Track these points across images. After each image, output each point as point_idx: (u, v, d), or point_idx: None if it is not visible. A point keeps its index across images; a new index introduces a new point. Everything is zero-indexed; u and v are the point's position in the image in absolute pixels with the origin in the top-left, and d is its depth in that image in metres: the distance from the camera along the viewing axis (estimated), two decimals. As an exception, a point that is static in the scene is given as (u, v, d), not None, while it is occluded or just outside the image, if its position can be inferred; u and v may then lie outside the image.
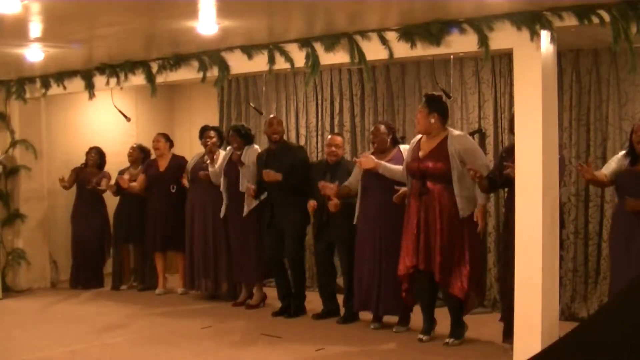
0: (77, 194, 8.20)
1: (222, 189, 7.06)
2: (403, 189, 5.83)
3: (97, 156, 8.21)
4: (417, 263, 5.49)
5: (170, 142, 7.99)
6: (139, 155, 8.14)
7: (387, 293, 5.95)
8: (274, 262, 6.74)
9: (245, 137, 6.98)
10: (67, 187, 8.14)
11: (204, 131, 7.44)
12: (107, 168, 8.29)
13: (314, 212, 6.50)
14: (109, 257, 8.32)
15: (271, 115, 7.06)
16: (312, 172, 6.58)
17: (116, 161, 8.30)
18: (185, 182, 7.62)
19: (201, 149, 7.55)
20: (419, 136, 5.78)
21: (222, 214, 7.04)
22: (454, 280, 5.45)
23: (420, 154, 5.61)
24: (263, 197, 6.83)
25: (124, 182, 7.74)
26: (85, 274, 8.13)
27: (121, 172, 8.15)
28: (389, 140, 6.10)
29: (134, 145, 8.22)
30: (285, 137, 7.17)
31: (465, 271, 5.46)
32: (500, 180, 5.37)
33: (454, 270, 5.44)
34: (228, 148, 7.24)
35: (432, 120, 5.56)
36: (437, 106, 5.61)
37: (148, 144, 8.13)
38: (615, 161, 5.28)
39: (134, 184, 7.80)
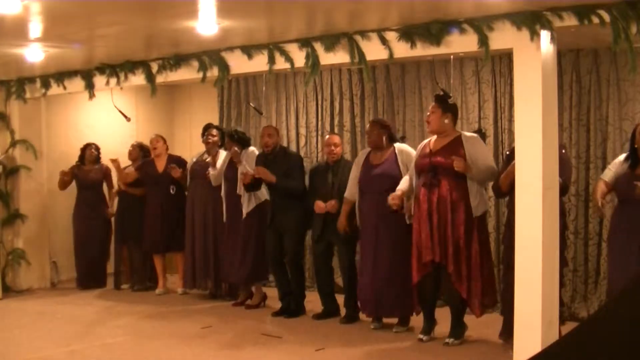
0: (78, 193, 8.20)
1: (222, 193, 7.06)
2: (399, 191, 5.80)
3: (96, 152, 8.23)
4: (434, 256, 5.45)
5: (166, 145, 7.99)
6: (139, 153, 8.14)
7: (386, 296, 5.95)
8: (275, 262, 6.75)
9: (239, 142, 6.95)
10: (66, 184, 8.12)
11: (207, 129, 7.45)
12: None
13: (316, 213, 6.52)
14: (109, 256, 8.33)
15: (265, 125, 7.05)
16: (315, 175, 6.62)
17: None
18: (175, 171, 7.55)
19: (201, 148, 7.57)
20: (429, 138, 5.78)
21: (224, 218, 7.04)
22: (464, 278, 5.43)
23: (431, 150, 5.61)
24: (263, 199, 6.86)
25: (115, 164, 7.81)
26: (89, 274, 8.14)
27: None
28: (384, 138, 6.08)
29: (134, 143, 8.23)
30: (284, 140, 7.17)
31: (478, 271, 5.46)
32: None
33: (463, 267, 5.43)
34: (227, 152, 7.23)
35: (446, 121, 5.61)
36: (451, 107, 5.68)
37: (147, 143, 8.12)
38: (615, 165, 5.27)
39: (127, 171, 7.84)
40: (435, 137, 5.69)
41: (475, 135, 5.76)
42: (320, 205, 6.38)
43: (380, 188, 5.93)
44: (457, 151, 5.50)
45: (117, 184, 8.21)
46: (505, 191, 5.45)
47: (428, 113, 5.69)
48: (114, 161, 7.82)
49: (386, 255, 5.93)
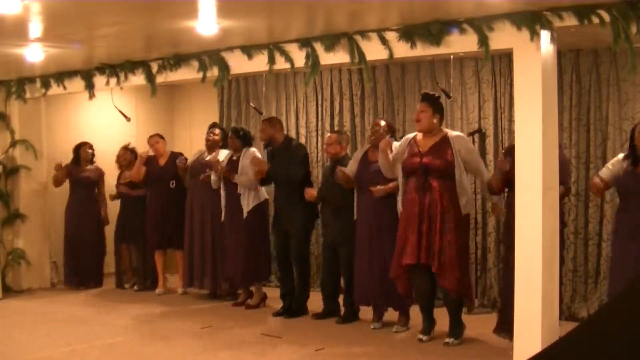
0: (71, 192, 8.19)
1: (221, 192, 7.07)
2: (385, 187, 5.88)
3: (91, 151, 8.22)
4: (419, 260, 5.49)
5: (164, 140, 7.99)
6: (131, 157, 8.13)
7: (387, 289, 5.96)
8: (280, 261, 6.77)
9: (243, 139, 6.99)
10: (60, 181, 8.09)
11: (211, 127, 7.47)
12: (106, 168, 8.30)
13: (321, 212, 6.55)
14: (104, 256, 8.32)
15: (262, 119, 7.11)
16: (323, 174, 6.65)
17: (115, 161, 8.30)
18: (181, 162, 7.56)
19: (201, 147, 7.58)
20: (411, 135, 5.82)
21: (222, 217, 7.05)
22: (452, 275, 5.46)
23: (420, 150, 5.62)
24: (263, 199, 6.89)
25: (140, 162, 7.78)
26: (80, 272, 8.12)
27: (118, 178, 8.19)
28: (387, 137, 6.11)
29: (122, 149, 8.19)
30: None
31: (463, 268, 5.54)
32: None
33: (453, 266, 5.46)
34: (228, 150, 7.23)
35: (435, 120, 5.64)
36: (440, 107, 5.72)
37: (146, 143, 8.10)
38: (614, 164, 5.27)
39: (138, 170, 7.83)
40: (421, 135, 5.72)
41: (461, 134, 5.84)
42: (309, 192, 6.42)
43: (376, 184, 5.96)
44: (445, 151, 5.55)
45: (115, 185, 8.22)
46: (497, 189, 5.49)
47: (418, 111, 5.69)
48: (144, 155, 7.72)
49: (382, 249, 5.96)
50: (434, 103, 5.67)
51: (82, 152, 8.16)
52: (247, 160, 6.86)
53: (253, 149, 7.02)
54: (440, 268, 5.44)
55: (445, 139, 5.60)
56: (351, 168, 6.21)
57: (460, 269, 5.50)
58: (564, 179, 5.37)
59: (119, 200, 8.20)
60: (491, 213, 6.68)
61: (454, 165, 5.53)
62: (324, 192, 6.42)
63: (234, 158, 7.02)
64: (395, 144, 5.98)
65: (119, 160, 8.18)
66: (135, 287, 8.05)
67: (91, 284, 8.17)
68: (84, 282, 8.14)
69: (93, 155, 8.24)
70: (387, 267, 5.88)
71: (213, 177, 7.13)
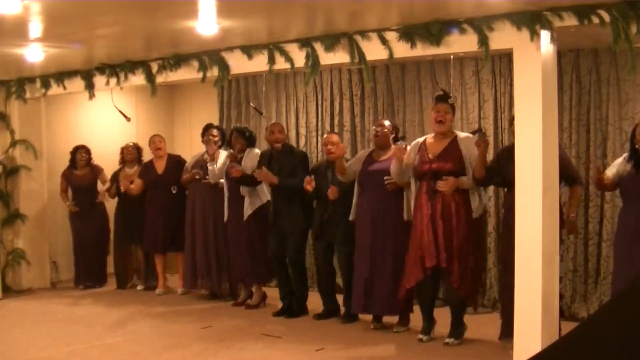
0: (73, 197, 8.18)
1: (225, 190, 7.08)
2: (394, 181, 5.88)
3: (87, 155, 8.20)
4: (439, 262, 5.47)
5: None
6: (136, 154, 8.15)
7: (384, 293, 5.95)
8: (277, 262, 6.76)
9: (248, 140, 7.01)
10: (67, 199, 8.15)
11: (207, 129, 7.45)
12: (106, 168, 8.29)
13: (316, 211, 6.52)
14: (108, 255, 8.32)
15: (272, 122, 7.10)
16: (316, 174, 6.57)
17: (116, 161, 8.28)
18: (184, 177, 7.59)
19: (201, 148, 7.57)
20: (422, 138, 5.81)
21: (225, 217, 7.05)
22: (464, 279, 5.47)
23: (430, 155, 5.62)
24: (265, 200, 6.88)
25: (123, 186, 7.77)
26: (87, 273, 8.14)
27: (115, 174, 8.16)
28: (391, 138, 6.13)
29: (131, 144, 8.21)
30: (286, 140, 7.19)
31: (474, 271, 5.56)
32: (497, 179, 5.51)
33: (467, 270, 5.46)
34: (230, 150, 7.23)
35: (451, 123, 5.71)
36: (453, 108, 5.75)
37: (146, 144, 8.11)
38: (617, 165, 5.28)
39: (132, 186, 7.80)
40: (431, 138, 5.72)
41: (469, 135, 5.82)
42: (308, 180, 6.30)
43: (379, 182, 5.95)
44: (455, 154, 5.56)
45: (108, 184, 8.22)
46: (479, 176, 5.47)
47: (442, 112, 5.64)
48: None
49: (382, 252, 5.95)
50: (451, 105, 5.71)
51: (78, 156, 8.16)
52: (249, 162, 6.85)
53: (257, 151, 7.02)
54: (451, 269, 5.43)
55: (455, 142, 5.61)
56: (354, 168, 6.20)
57: (472, 271, 5.51)
58: (577, 176, 5.39)
59: (117, 200, 8.18)
60: None
61: (464, 167, 5.53)
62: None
63: (230, 158, 7.01)
64: (402, 145, 5.99)
65: (124, 152, 8.17)
66: (139, 287, 8.05)
67: (96, 284, 8.17)
68: (90, 282, 8.15)
69: (89, 159, 8.23)
70: (386, 270, 5.87)
71: (210, 167, 7.11)
